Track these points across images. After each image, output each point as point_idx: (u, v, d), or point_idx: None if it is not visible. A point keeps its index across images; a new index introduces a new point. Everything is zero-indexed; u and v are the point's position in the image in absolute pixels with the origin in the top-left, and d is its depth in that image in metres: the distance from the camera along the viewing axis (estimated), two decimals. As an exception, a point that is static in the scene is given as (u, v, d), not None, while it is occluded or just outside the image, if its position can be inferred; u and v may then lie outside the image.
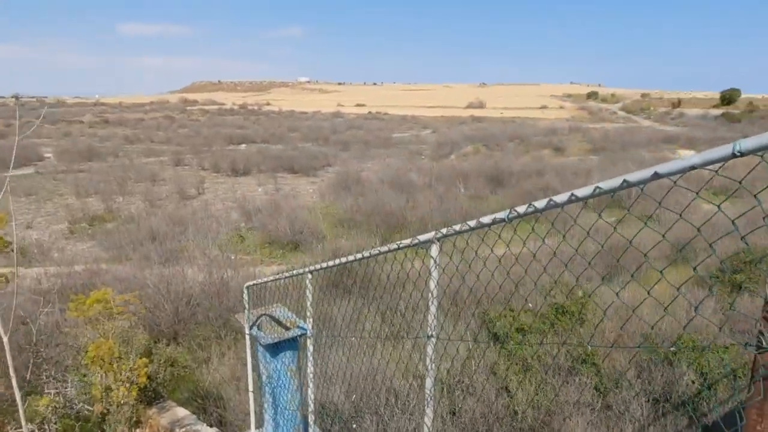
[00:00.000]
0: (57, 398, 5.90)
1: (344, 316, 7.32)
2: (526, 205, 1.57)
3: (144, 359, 7.06)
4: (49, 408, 5.57)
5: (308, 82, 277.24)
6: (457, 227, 1.89)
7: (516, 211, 1.62)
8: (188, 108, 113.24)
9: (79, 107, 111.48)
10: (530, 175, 26.38)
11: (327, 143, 48.53)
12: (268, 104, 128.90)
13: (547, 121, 76.59)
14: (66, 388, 6.01)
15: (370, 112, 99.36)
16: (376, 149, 44.49)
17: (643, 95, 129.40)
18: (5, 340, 1.53)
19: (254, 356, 4.46)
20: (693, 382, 6.86)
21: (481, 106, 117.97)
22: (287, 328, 3.84)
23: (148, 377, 7.20)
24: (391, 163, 35.17)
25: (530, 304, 9.42)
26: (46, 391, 5.68)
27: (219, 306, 10.60)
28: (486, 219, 1.75)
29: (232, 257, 14.65)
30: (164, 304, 10.18)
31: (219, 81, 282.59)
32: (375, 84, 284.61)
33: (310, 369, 3.93)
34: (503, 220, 1.68)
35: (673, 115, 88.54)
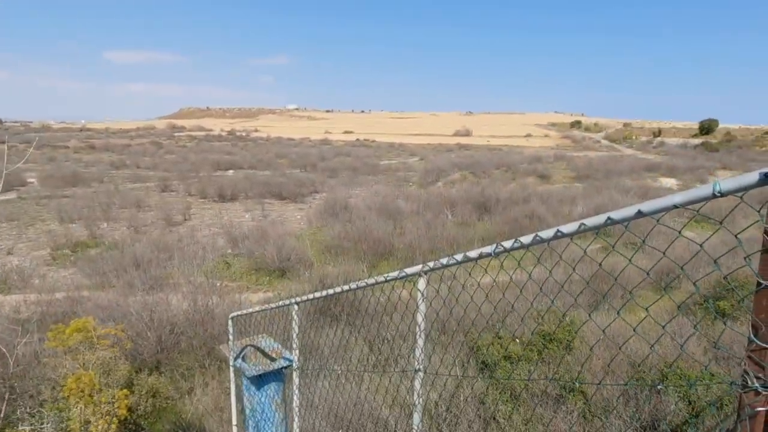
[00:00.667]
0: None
1: (331, 344, 7.23)
2: (512, 240, 1.58)
3: (125, 390, 6.87)
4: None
5: (296, 109, 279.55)
6: (444, 261, 1.90)
7: (502, 245, 1.64)
8: (176, 134, 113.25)
9: (65, 132, 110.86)
10: (516, 202, 26.64)
11: (315, 170, 48.70)
12: (256, 131, 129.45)
13: (532, 149, 77.88)
14: (42, 423, 5.81)
15: (357, 140, 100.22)
16: (363, 176, 44.73)
17: (626, 124, 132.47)
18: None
19: (239, 388, 4.37)
20: (680, 411, 6.85)
21: (467, 134, 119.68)
22: (272, 359, 3.77)
23: (129, 409, 7.00)
24: (379, 189, 35.31)
25: (517, 339, 9.40)
26: (20, 427, 5.48)
27: (203, 334, 10.41)
28: (473, 253, 1.76)
29: (218, 284, 14.47)
30: (147, 333, 9.97)
31: (207, 107, 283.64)
32: (363, 111, 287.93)
33: (295, 401, 3.86)
34: (490, 254, 1.69)
35: (654, 144, 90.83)
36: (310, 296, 3.20)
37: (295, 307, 3.52)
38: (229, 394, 8.35)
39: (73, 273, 16.96)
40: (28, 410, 6.42)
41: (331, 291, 2.85)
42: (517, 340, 9.17)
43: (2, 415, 5.68)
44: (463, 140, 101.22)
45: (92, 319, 7.42)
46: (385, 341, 9.14)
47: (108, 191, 33.19)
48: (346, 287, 2.60)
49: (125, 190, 34.17)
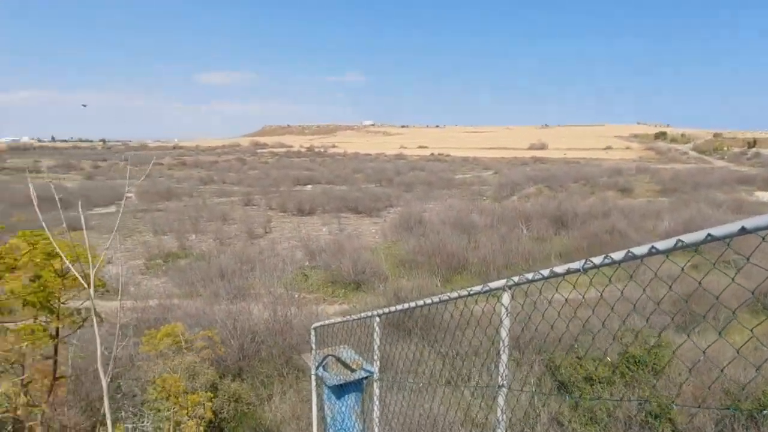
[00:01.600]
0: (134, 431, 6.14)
1: (405, 358, 7.24)
2: (602, 256, 1.56)
3: (210, 394, 7.24)
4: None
5: (372, 125, 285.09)
6: (529, 276, 1.89)
7: (592, 261, 1.61)
8: (259, 150, 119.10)
9: (160, 150, 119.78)
10: (596, 217, 25.49)
11: (390, 184, 49.29)
12: (333, 147, 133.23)
13: (612, 161, 74.28)
14: (142, 422, 6.26)
15: (432, 154, 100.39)
16: (438, 190, 44.68)
17: (716, 135, 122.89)
18: (105, 382, 1.67)
19: (319, 396, 4.50)
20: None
21: (543, 147, 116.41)
22: (352, 370, 3.86)
23: (213, 412, 7.36)
24: (453, 204, 35.09)
25: (601, 359, 8.94)
26: (124, 425, 5.94)
27: (282, 343, 10.78)
28: (559, 269, 1.75)
29: (296, 295, 14.96)
30: (230, 340, 10.48)
31: (288, 125, 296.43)
32: (437, 126, 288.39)
33: (376, 412, 3.91)
34: (578, 270, 1.67)
35: (749, 155, 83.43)
36: (392, 308, 3.26)
37: (377, 319, 3.60)
38: (306, 403, 8.59)
39: (164, 282, 18.18)
40: (131, 409, 6.94)
41: (413, 304, 2.89)
42: (607, 360, 8.73)
43: (103, 411, 6.19)
44: (539, 153, 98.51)
45: (180, 326, 7.90)
46: (459, 357, 9.03)
47: (197, 205, 35.40)
48: (428, 300, 2.63)
49: (212, 204, 36.29)
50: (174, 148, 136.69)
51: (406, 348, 8.09)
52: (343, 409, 3.81)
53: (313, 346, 4.37)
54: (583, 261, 1.66)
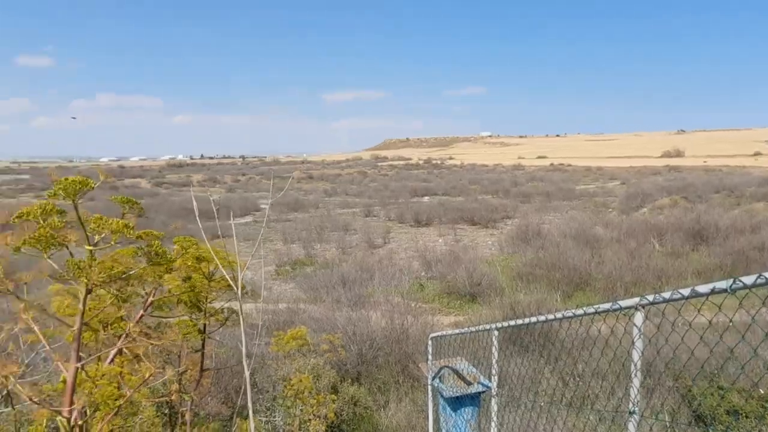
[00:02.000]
0: (267, 425, 6.65)
1: (522, 374, 6.98)
2: (756, 275, 1.40)
3: (332, 395, 7.58)
4: (260, 432, 6.29)
5: (489, 136, 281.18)
6: (666, 294, 1.75)
7: (741, 281, 1.45)
8: (379, 163, 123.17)
9: (290, 165, 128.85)
10: (742, 231, 22.45)
11: (507, 195, 48.15)
12: (450, 158, 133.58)
13: (761, 169, 65.18)
14: (274, 416, 6.75)
15: (552, 164, 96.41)
16: (557, 201, 42.69)
17: None
18: (247, 374, 1.85)
19: (435, 407, 4.51)
20: None
21: (678, 154, 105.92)
22: (469, 383, 3.82)
23: (335, 413, 7.68)
24: (574, 215, 33.23)
25: (760, 390, 7.85)
26: (258, 418, 6.46)
27: (398, 351, 10.95)
28: (703, 288, 1.59)
29: (412, 305, 15.13)
30: (350, 346, 10.88)
31: (407, 138, 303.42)
32: (557, 136, 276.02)
33: (493, 429, 3.83)
34: (724, 290, 1.51)
35: None
36: (511, 323, 3.18)
37: (495, 332, 3.54)
38: (421, 413, 8.63)
39: (292, 287, 19.43)
40: (263, 404, 7.52)
41: (534, 319, 2.80)
42: (759, 392, 7.68)
43: (238, 403, 6.77)
44: (674, 161, 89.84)
45: (304, 329, 8.38)
46: (582, 378, 8.49)
47: (321, 216, 37.43)
48: (551, 316, 2.54)
49: (335, 215, 38.13)
50: (302, 162, 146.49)
51: (523, 364, 7.79)
52: (460, 422, 3.79)
53: (430, 356, 4.40)
54: (731, 280, 1.50)
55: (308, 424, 6.16)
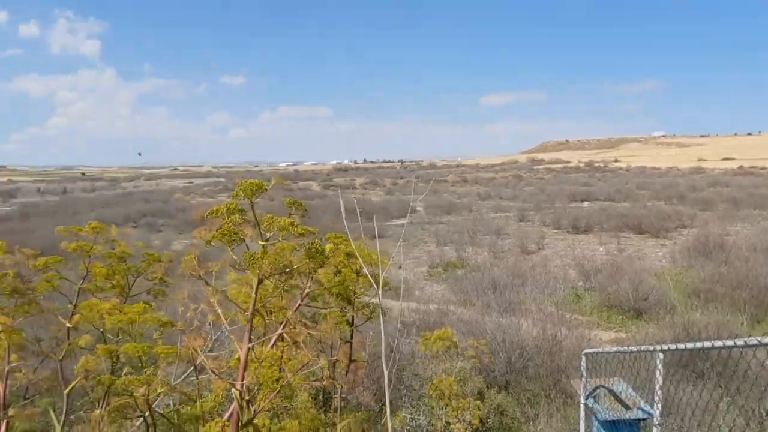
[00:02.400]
0: (411, 422, 6.85)
1: (693, 405, 6.15)
2: None
3: (478, 401, 7.49)
4: (404, 428, 6.50)
5: (663, 136, 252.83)
6: None
7: None
8: (535, 167, 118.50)
9: (446, 169, 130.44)
10: None
11: (683, 202, 42.93)
12: (615, 161, 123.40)
13: None
14: (418, 414, 6.92)
15: (741, 167, 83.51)
16: (747, 210, 36.74)
17: None
18: (386, 371, 1.95)
19: (588, 429, 4.21)
20: None
21: None
22: (627, 407, 3.51)
23: (480, 420, 7.58)
24: (769, 226, 28.33)
25: None
26: (403, 414, 6.68)
27: (550, 364, 10.42)
28: None
29: (567, 316, 14.28)
30: (499, 353, 10.63)
31: (566, 140, 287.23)
32: (749, 134, 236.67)
33: (654, 461, 3.46)
34: None
35: None
36: (681, 346, 2.83)
37: (660, 355, 3.18)
38: (573, 431, 8.09)
39: (443, 289, 19.65)
40: (409, 401, 7.75)
41: (710, 344, 2.46)
42: None
43: (390, 399, 7.06)
44: None
45: (450, 331, 8.40)
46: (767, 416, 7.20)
47: (474, 219, 37.22)
48: (735, 342, 2.20)
49: (488, 219, 37.62)
50: (457, 166, 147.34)
51: (694, 393, 6.85)
52: (615, 448, 3.49)
53: (584, 373, 4.12)
54: None
55: (452, 426, 6.18)
